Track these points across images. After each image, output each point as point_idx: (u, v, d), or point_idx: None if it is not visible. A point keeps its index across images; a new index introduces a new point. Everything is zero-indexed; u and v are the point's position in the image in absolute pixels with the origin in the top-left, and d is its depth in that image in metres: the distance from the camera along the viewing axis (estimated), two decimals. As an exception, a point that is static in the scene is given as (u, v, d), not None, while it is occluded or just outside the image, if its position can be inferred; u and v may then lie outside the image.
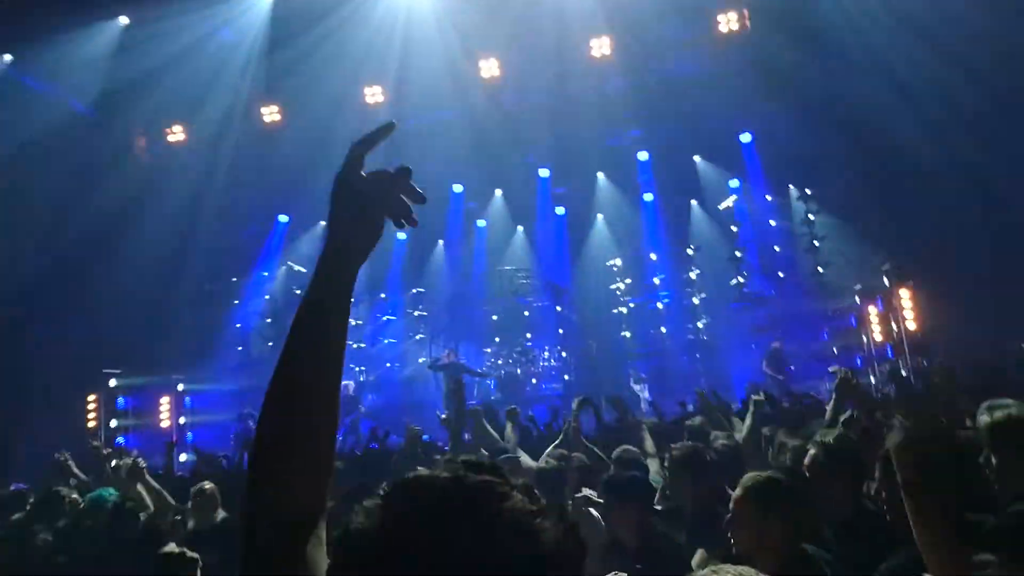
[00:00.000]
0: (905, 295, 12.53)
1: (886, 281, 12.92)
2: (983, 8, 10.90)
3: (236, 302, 18.15)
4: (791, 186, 16.51)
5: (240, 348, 17.83)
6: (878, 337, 13.64)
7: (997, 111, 11.72)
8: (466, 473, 1.04)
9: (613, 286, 17.63)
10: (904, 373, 11.91)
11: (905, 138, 12.41)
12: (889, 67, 12.13)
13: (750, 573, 2.35)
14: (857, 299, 14.36)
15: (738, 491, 3.09)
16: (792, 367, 14.50)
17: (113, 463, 7.47)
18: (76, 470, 7.70)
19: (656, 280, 17.75)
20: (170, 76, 13.36)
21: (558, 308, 18.01)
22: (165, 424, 15.80)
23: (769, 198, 16.83)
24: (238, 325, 18.06)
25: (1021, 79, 11.14)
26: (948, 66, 11.39)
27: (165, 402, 15.95)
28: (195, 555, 3.32)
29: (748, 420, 6.26)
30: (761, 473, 3.21)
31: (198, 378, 16.71)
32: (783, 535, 2.93)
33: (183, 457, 13.77)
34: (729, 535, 3.06)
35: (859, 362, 14.12)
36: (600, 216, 18.49)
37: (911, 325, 12.37)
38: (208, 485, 5.82)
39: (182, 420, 16.16)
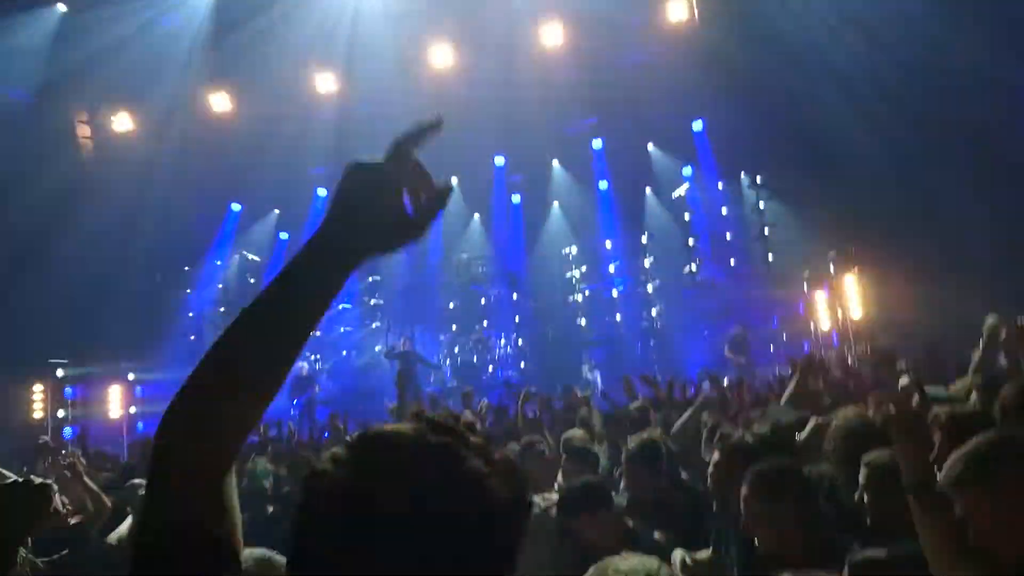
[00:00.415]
0: (850, 282, 12.79)
1: (832, 269, 13.18)
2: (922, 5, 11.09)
3: (188, 291, 17.93)
4: (742, 173, 16.69)
5: (192, 337, 17.61)
6: (825, 324, 13.92)
7: (937, 102, 11.92)
8: (429, 432, 1.11)
9: (568, 274, 17.75)
10: (849, 360, 12.18)
11: (850, 127, 12.59)
12: (832, 59, 12.28)
13: (652, 564, 2.39)
14: (805, 286, 14.63)
15: (744, 488, 2.96)
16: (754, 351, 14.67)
17: (48, 461, 7.32)
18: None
19: (611, 268, 17.90)
20: (112, 64, 13.06)
21: (514, 296, 18.10)
22: (115, 415, 15.59)
23: (721, 186, 17.01)
24: (191, 314, 17.85)
25: (959, 71, 11.34)
26: (890, 60, 11.58)
27: (115, 392, 15.72)
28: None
29: (689, 410, 6.26)
30: (765, 463, 3.10)
31: (149, 367, 16.48)
32: (799, 523, 2.85)
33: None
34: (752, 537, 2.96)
35: (806, 348, 14.38)
36: (556, 204, 18.56)
37: (856, 312, 12.63)
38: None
39: (132, 410, 15.93)
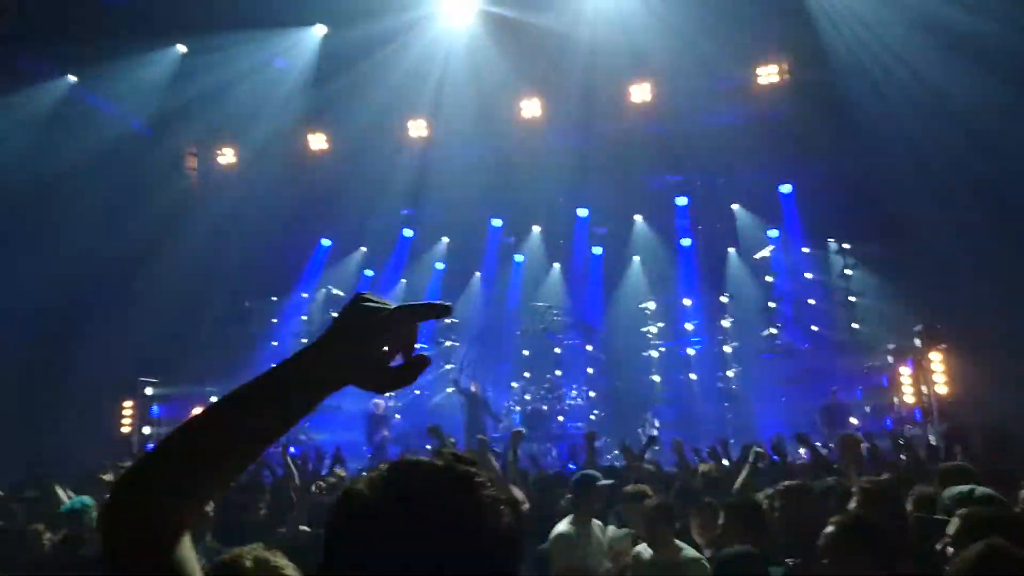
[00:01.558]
0: (936, 358, 12.29)
1: (918, 343, 12.70)
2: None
3: (274, 320, 18.61)
4: (830, 240, 16.35)
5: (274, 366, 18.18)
6: (909, 399, 13.36)
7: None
8: (454, 463, 1.27)
9: (644, 329, 17.61)
10: (933, 440, 11.64)
11: (939, 203, 12.26)
12: (920, 139, 12.04)
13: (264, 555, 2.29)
14: (890, 359, 14.11)
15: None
16: (853, 420, 14.12)
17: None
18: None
19: (688, 326, 17.68)
20: (223, 101, 13.98)
21: (588, 347, 18.05)
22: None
23: (806, 251, 16.67)
24: (275, 343, 18.47)
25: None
26: (974, 142, 11.30)
27: (194, 413, 16.35)
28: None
29: (743, 473, 6.24)
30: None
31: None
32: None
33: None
34: None
35: (889, 423, 13.83)
36: (636, 258, 18.53)
37: (941, 389, 12.11)
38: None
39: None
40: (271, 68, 13.88)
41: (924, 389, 12.59)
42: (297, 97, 14.17)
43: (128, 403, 15.28)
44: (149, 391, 15.63)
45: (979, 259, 12.10)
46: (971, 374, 11.74)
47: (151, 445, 14.35)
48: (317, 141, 15.13)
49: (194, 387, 16.33)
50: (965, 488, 3.23)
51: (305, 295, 18.82)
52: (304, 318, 18.72)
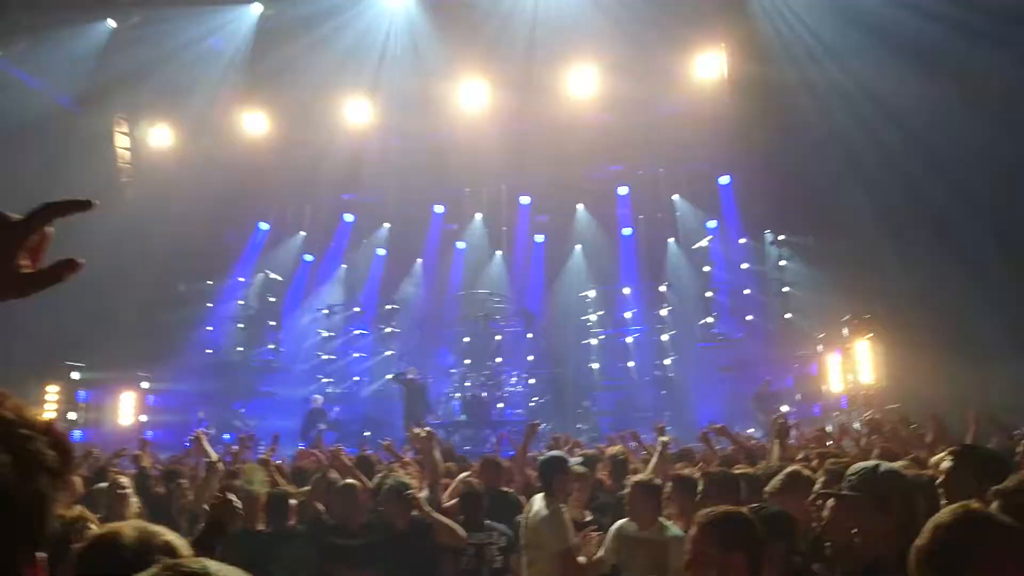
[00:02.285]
0: (862, 347, 12.66)
1: (846, 332, 13.07)
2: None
3: (209, 304, 18.21)
4: (766, 231, 16.67)
5: (209, 351, 17.84)
6: (836, 387, 13.75)
7: (969, 168, 11.90)
8: None
9: (585, 317, 17.73)
10: (857, 425, 12.00)
11: (872, 197, 12.60)
12: (855, 137, 12.36)
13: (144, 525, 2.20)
14: (819, 348, 14.50)
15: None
16: (786, 407, 14.45)
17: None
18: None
19: (627, 314, 17.86)
20: (155, 78, 13.57)
21: (529, 335, 18.11)
22: (125, 422, 15.77)
23: (743, 241, 16.99)
24: (210, 328, 18.09)
25: (971, 150, 11.35)
26: (908, 138, 11.64)
27: (127, 399, 15.93)
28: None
29: (653, 460, 6.31)
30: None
31: (163, 377, 16.72)
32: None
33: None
34: None
35: (817, 411, 14.22)
36: (578, 247, 18.63)
37: (866, 378, 12.48)
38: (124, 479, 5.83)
39: (143, 418, 16.12)
40: (206, 46, 13.50)
41: (850, 377, 12.97)
42: (233, 76, 13.84)
43: (53, 388, 14.78)
44: (75, 375, 15.15)
45: (906, 252, 12.47)
46: (895, 363, 12.11)
47: (77, 432, 13.91)
48: (254, 121, 14.79)
49: (123, 372, 15.91)
50: (870, 464, 3.31)
51: (242, 279, 18.44)
52: (241, 302, 18.35)
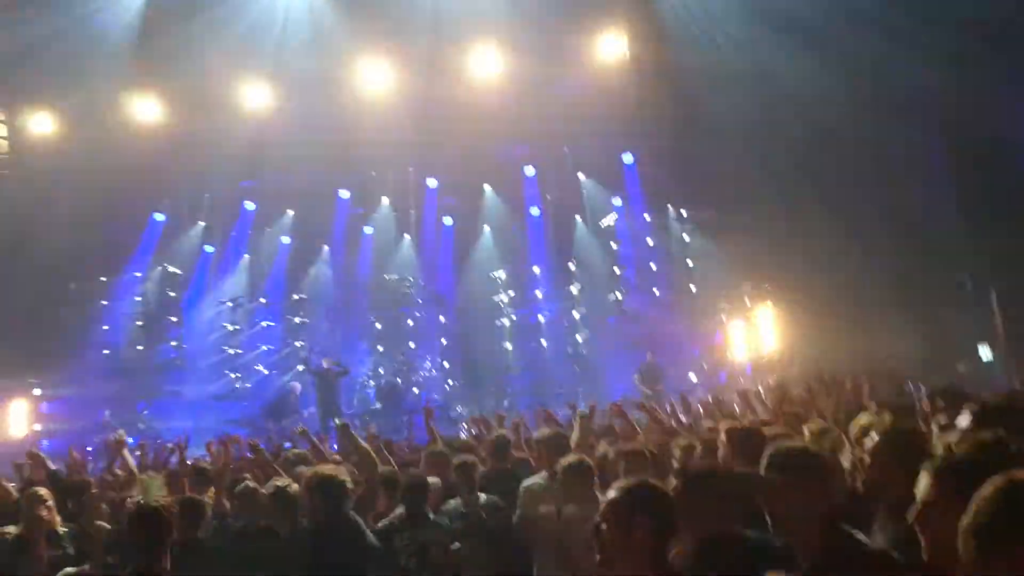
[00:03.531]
0: (763, 315, 13.26)
1: (747, 302, 13.65)
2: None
3: (104, 303, 17.32)
4: (669, 206, 17.15)
5: (107, 351, 17.01)
6: (741, 355, 14.36)
7: (867, 147, 12.58)
8: None
9: (496, 297, 17.83)
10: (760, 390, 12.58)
11: (767, 168, 13.14)
12: (751, 109, 12.83)
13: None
14: (723, 317, 15.08)
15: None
16: (669, 379, 14.96)
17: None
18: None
19: (538, 293, 18.07)
20: (34, 63, 12.68)
21: (441, 318, 18.09)
22: (17, 433, 14.79)
23: (648, 218, 17.43)
24: (105, 327, 17.23)
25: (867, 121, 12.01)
26: (800, 110, 12.18)
27: (18, 408, 14.96)
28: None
29: (575, 434, 6.43)
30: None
31: (58, 382, 15.81)
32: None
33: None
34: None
35: (722, 378, 14.80)
36: (487, 228, 18.68)
37: (768, 344, 13.09)
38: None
39: (37, 427, 15.21)
40: (91, 25, 12.69)
41: (753, 344, 13.57)
42: (122, 59, 13.08)
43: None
44: (-41, 385, 14.16)
45: (800, 223, 13.09)
46: (794, 328, 12.75)
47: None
48: (146, 107, 14.07)
49: (12, 379, 14.94)
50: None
51: (138, 274, 17.61)
52: (138, 298, 17.56)
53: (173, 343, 17.62)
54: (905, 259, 12.00)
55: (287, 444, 11.33)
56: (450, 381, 17.38)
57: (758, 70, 12.25)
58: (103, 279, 17.30)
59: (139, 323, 17.51)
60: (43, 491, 5.40)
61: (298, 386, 16.30)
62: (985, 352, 12.31)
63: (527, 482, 5.48)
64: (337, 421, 11.77)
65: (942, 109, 11.51)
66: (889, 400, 6.75)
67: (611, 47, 13.55)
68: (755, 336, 13.59)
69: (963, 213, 12.12)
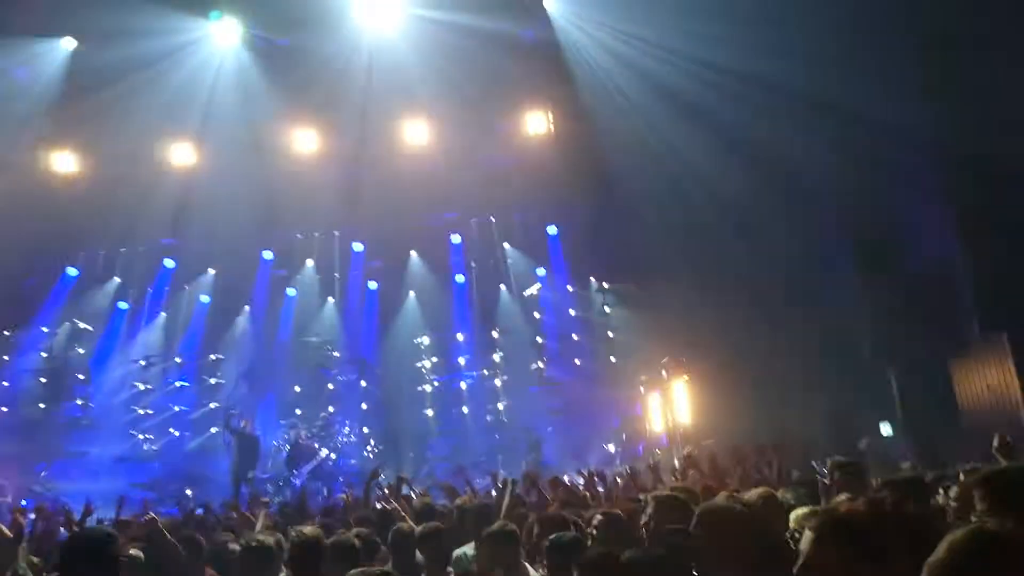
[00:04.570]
0: (679, 388, 13.59)
1: (664, 374, 13.99)
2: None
3: (6, 357, 16.58)
4: (592, 278, 17.57)
5: (5, 409, 16.19)
6: (658, 426, 14.63)
7: (777, 234, 13.21)
8: None
9: (419, 363, 17.80)
10: (676, 462, 12.84)
11: (685, 244, 13.67)
12: (661, 194, 13.42)
13: None
14: (642, 389, 15.39)
15: None
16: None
17: None
18: None
19: (461, 360, 18.11)
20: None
21: (363, 383, 17.89)
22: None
23: (571, 288, 17.80)
24: (6, 383, 16.45)
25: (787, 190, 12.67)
26: (711, 190, 12.80)
27: (-98, 467, 14.07)
28: None
29: (504, 503, 6.52)
30: None
31: (-50, 440, 14.96)
32: None
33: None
34: None
35: (640, 450, 15.02)
36: (411, 293, 18.73)
37: (683, 416, 13.40)
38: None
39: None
40: (9, 79, 12.50)
41: (669, 417, 13.86)
42: (41, 112, 12.87)
43: None
44: None
45: (714, 300, 13.56)
46: (707, 401, 13.11)
47: None
48: (63, 161, 13.79)
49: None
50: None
51: (45, 329, 16.95)
52: (44, 354, 16.86)
53: (79, 401, 16.90)
54: (810, 337, 12.56)
55: (198, 510, 11.01)
56: (371, 446, 17.11)
57: (668, 148, 12.84)
58: (6, 332, 16.61)
59: (43, 379, 16.78)
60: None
61: (303, 432, 16.04)
62: (886, 429, 12.87)
63: (456, 552, 5.46)
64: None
65: (843, 199, 12.25)
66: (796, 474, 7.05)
67: (535, 122, 14.01)
68: (671, 408, 13.89)
69: (866, 299, 12.79)
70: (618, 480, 9.08)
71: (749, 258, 13.04)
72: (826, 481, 6.23)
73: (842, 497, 5.19)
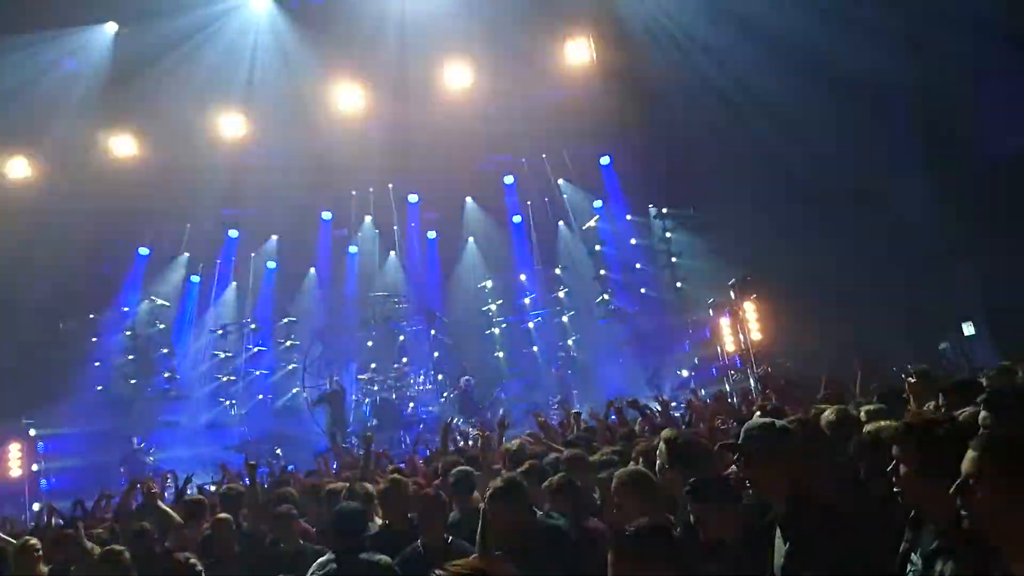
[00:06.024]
0: (750, 308, 13.38)
1: (733, 295, 13.77)
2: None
3: (95, 339, 17.35)
4: (650, 205, 17.29)
5: (100, 387, 17.02)
6: (730, 348, 14.48)
7: (834, 138, 12.70)
8: None
9: (485, 308, 17.92)
10: (752, 382, 12.74)
11: (742, 161, 13.29)
12: (715, 115, 12.98)
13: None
14: (711, 312, 15.21)
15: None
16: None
17: None
18: None
19: (526, 300, 18.17)
20: (7, 108, 12.74)
21: (432, 332, 18.13)
22: (15, 474, 14.82)
23: (629, 218, 17.57)
24: (97, 363, 17.25)
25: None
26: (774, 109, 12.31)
27: (15, 449, 14.98)
28: None
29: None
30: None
31: (53, 421, 15.83)
32: None
33: (36, 506, 13.05)
34: None
35: (714, 372, 14.93)
36: (471, 239, 18.78)
37: (756, 336, 13.21)
38: (32, 541, 5.59)
39: (35, 467, 15.22)
40: (60, 70, 12.78)
41: (741, 337, 13.69)
42: (94, 99, 13.15)
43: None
44: (-46, 431, 14.16)
45: (777, 217, 13.23)
46: (778, 318, 12.89)
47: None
48: (122, 144, 14.11)
49: (8, 420, 14.96)
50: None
51: (126, 309, 17.64)
52: (128, 333, 17.57)
53: (166, 374, 17.63)
54: (879, 240, 12.17)
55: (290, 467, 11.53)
56: (446, 393, 17.43)
57: (714, 61, 12.40)
58: (92, 316, 17.35)
59: (130, 357, 17.52)
60: (34, 541, 5.51)
61: (336, 380, 16.19)
62: (968, 328, 12.47)
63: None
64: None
65: (910, 96, 11.68)
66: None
67: (577, 52, 13.65)
68: (742, 328, 13.70)
69: (937, 196, 12.27)
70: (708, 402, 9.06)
71: (809, 167, 12.60)
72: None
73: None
